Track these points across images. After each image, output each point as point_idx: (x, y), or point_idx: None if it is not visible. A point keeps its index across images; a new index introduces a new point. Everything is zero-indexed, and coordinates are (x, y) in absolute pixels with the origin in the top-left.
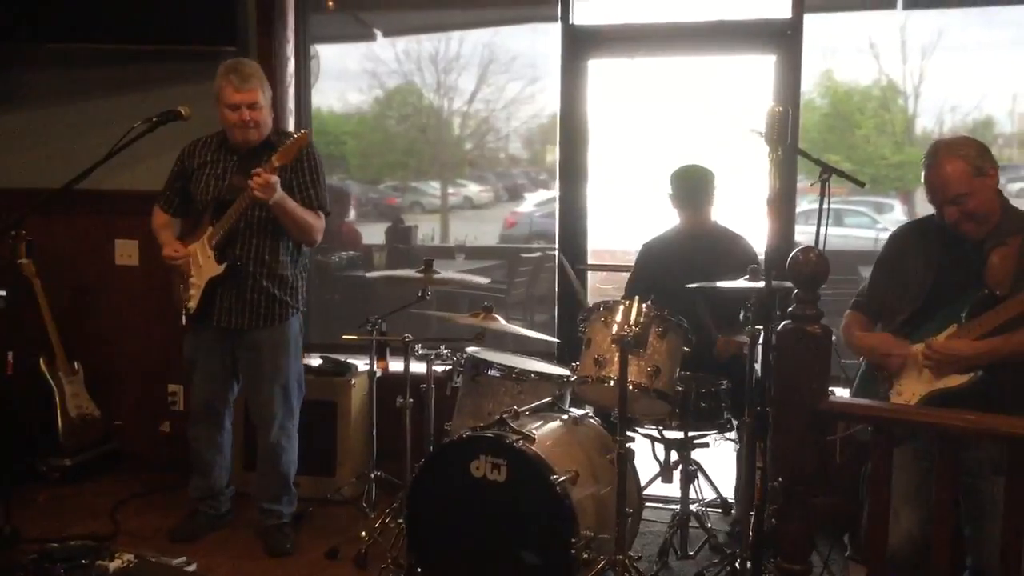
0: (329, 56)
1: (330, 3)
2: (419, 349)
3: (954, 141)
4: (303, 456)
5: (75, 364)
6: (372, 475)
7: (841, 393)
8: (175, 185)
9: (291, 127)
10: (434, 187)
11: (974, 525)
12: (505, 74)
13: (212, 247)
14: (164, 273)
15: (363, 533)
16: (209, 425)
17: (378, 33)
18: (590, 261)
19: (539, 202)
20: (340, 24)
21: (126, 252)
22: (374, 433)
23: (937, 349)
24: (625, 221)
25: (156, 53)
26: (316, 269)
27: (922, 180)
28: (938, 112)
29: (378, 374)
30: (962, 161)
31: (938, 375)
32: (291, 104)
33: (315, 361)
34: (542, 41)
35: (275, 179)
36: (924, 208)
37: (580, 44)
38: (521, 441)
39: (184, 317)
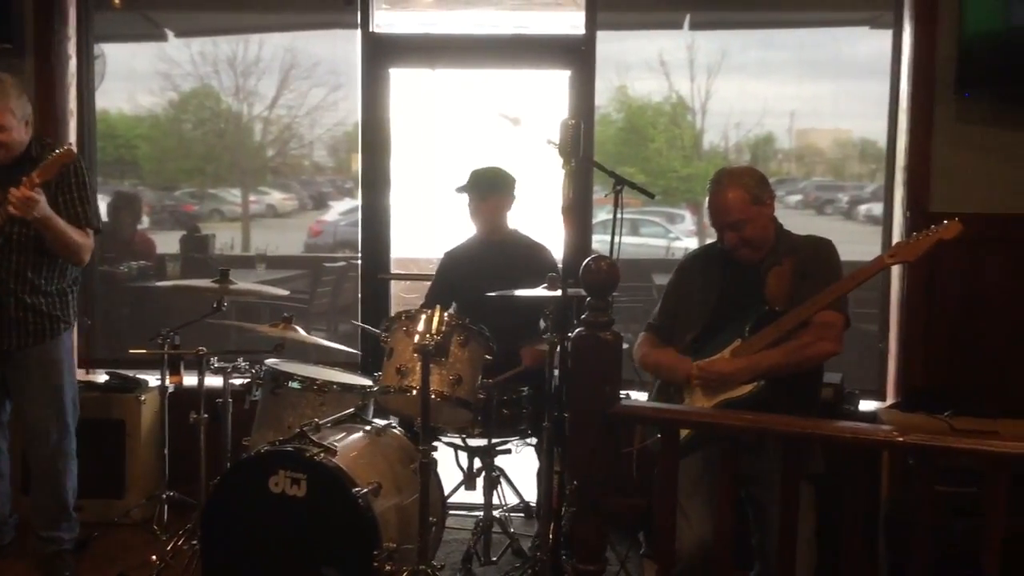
0: (117, 56)
1: (116, 1)
2: (215, 362)
3: (736, 170)
4: (88, 478)
5: None
6: (164, 496)
7: (637, 396)
8: None
9: (72, 129)
10: (235, 194)
11: (760, 534)
12: (307, 80)
13: None
14: None
15: (154, 557)
16: None
17: (170, 33)
18: (393, 270)
19: (345, 211)
20: (127, 23)
21: None
22: (166, 451)
23: (702, 368)
24: (429, 230)
25: None
26: (103, 280)
27: (706, 204)
28: (723, 128)
29: (170, 389)
30: (742, 190)
31: (707, 393)
32: (72, 105)
33: (101, 377)
34: (343, 48)
35: (35, 195)
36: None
37: (380, 52)
38: (322, 454)
39: None
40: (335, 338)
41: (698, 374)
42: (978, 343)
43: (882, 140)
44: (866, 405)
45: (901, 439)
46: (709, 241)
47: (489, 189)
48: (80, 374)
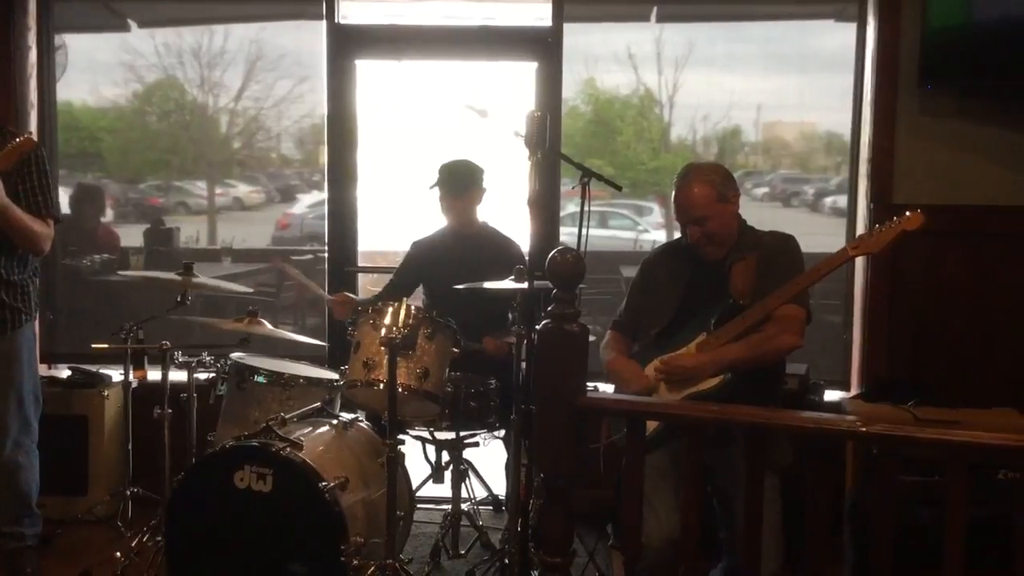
0: (79, 47)
1: None
2: (179, 357)
3: (704, 166)
4: (51, 475)
5: None
6: (128, 492)
7: (604, 388)
8: None
9: (33, 121)
10: (201, 187)
11: (727, 527)
12: (274, 71)
13: None
14: None
15: (118, 553)
16: None
17: (133, 24)
18: (360, 263)
19: (312, 203)
20: (89, 13)
21: None
22: (130, 447)
23: (666, 363)
24: (396, 222)
25: None
26: (66, 273)
27: (672, 198)
28: (691, 121)
29: (134, 384)
30: (708, 186)
31: (673, 387)
32: (33, 97)
33: (64, 372)
34: (309, 39)
35: None
36: None
37: (347, 43)
38: (288, 448)
39: None
40: (302, 332)
41: (660, 368)
42: (941, 334)
43: (847, 133)
44: (831, 395)
45: (865, 429)
46: (676, 235)
47: (462, 186)
48: (42, 369)
